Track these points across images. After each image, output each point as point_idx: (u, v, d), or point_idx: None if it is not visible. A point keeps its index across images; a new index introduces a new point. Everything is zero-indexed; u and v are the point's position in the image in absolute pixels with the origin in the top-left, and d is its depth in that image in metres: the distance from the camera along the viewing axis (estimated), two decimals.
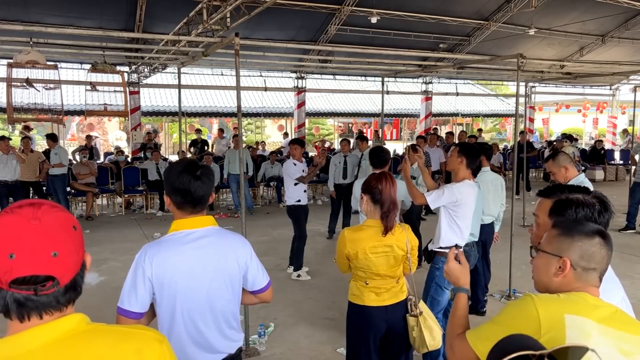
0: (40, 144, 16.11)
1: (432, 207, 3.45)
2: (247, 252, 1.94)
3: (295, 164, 5.98)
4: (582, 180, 3.40)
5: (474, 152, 3.51)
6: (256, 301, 2.06)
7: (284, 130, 20.83)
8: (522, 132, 11.49)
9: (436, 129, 17.62)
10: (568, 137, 12.04)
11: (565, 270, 1.38)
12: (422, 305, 2.71)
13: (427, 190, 3.76)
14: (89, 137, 12.14)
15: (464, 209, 3.42)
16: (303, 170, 6.01)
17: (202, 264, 1.81)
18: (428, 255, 3.60)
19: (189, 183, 1.81)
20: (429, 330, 2.61)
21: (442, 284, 3.42)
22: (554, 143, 12.28)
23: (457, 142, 11.16)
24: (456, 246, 3.37)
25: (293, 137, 17.05)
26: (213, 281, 1.84)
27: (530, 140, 17.79)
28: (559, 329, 1.28)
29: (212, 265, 1.83)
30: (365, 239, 2.59)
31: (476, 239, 4.02)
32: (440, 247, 3.48)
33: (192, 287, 1.80)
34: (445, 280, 3.37)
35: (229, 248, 1.89)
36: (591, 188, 2.32)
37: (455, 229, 3.44)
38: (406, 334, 2.67)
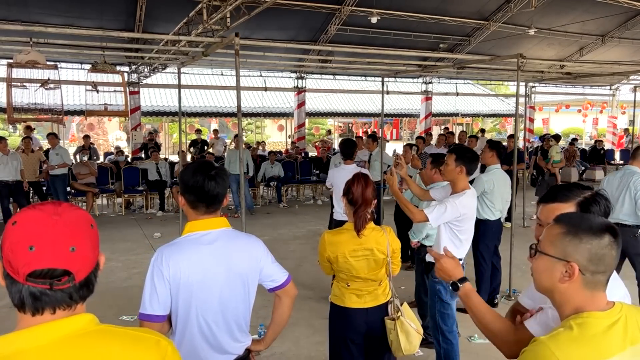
0: (43, 144, 16.08)
1: (435, 225, 3.18)
2: (260, 250, 1.96)
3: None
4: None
5: (473, 157, 3.20)
6: (289, 309, 2.08)
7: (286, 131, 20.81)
8: (510, 136, 11.08)
9: (445, 128, 17.55)
10: (554, 137, 12.02)
11: (573, 277, 1.25)
12: (405, 309, 2.65)
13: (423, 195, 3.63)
14: (86, 137, 12.14)
15: (468, 222, 3.20)
16: None
17: (215, 266, 1.82)
18: (426, 267, 3.45)
19: (203, 182, 1.82)
20: (405, 335, 2.57)
21: (445, 298, 3.24)
22: (543, 141, 12.31)
23: (456, 143, 11.01)
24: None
25: (294, 136, 17.10)
26: (226, 284, 1.84)
27: (531, 140, 17.81)
28: None
29: (226, 268, 1.84)
30: (345, 242, 2.58)
31: None
32: None
33: (206, 289, 1.81)
34: (449, 293, 3.22)
35: (242, 249, 1.90)
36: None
37: (456, 244, 3.19)
38: (385, 336, 2.65)
